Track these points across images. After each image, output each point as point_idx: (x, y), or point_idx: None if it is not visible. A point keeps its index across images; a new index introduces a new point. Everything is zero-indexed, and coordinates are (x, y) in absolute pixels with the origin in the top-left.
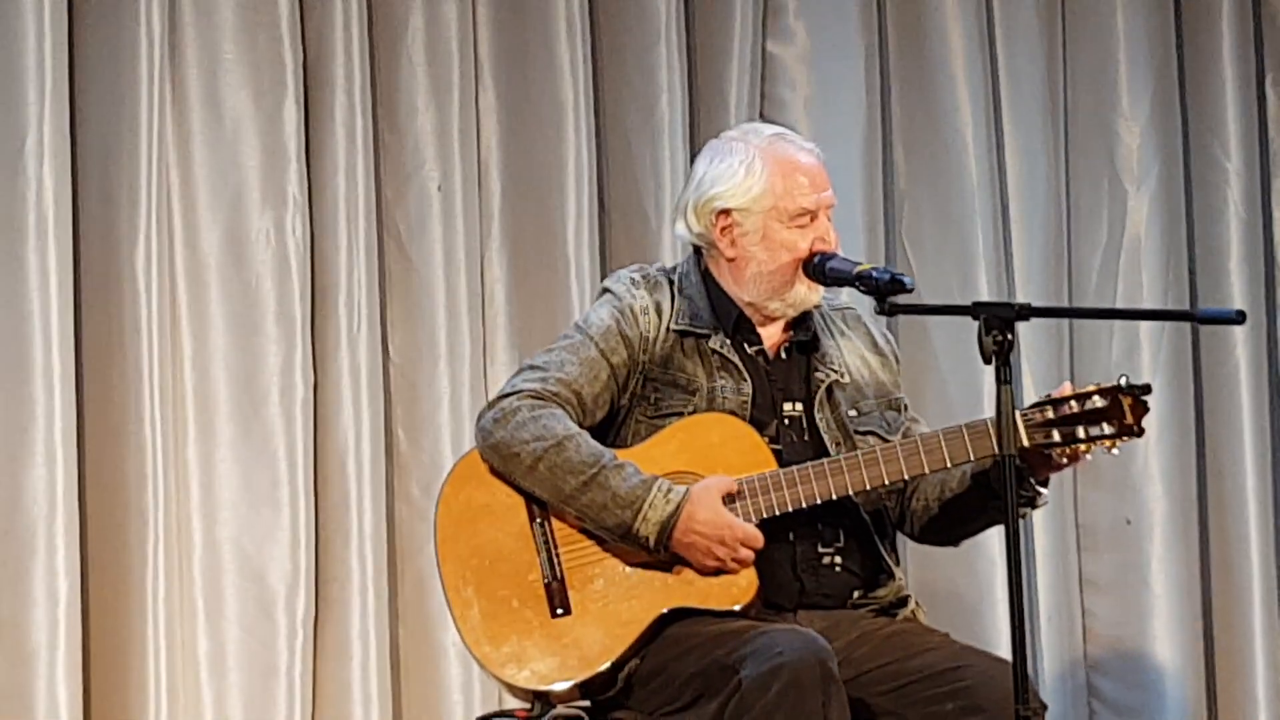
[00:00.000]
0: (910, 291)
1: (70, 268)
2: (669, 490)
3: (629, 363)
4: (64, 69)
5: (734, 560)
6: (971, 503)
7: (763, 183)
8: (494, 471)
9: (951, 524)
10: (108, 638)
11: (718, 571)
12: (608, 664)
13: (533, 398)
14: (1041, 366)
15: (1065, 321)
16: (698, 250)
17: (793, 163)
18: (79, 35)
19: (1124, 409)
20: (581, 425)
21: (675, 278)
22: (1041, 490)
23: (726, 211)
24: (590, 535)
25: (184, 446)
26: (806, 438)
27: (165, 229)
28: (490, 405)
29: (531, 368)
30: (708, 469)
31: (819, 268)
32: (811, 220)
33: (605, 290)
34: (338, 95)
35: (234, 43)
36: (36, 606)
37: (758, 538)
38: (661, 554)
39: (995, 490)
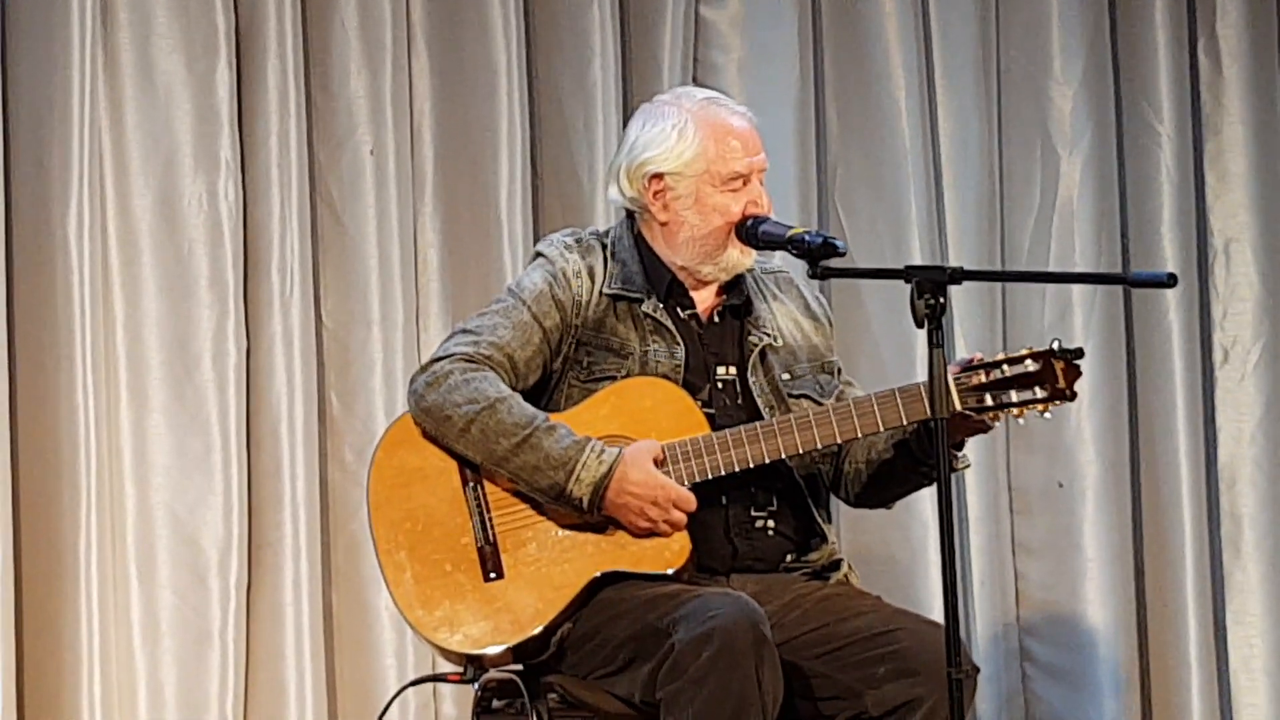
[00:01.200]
0: (842, 255)
1: (2, 232)
2: (601, 451)
3: (561, 326)
4: None
5: (666, 522)
6: (896, 467)
7: (695, 146)
8: (427, 435)
9: (880, 487)
10: (41, 603)
11: (650, 534)
12: (540, 628)
13: (465, 361)
14: (974, 330)
15: (998, 285)
16: (630, 214)
17: (725, 126)
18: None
19: (1056, 373)
20: (514, 389)
21: (608, 241)
22: (957, 454)
23: (659, 175)
24: (523, 499)
25: (116, 412)
26: (740, 401)
27: (98, 194)
28: (423, 369)
29: (464, 331)
30: (640, 433)
31: (751, 231)
32: (744, 184)
33: (538, 254)
34: (270, 60)
35: (166, 7)
36: None
37: (690, 499)
38: (594, 515)
39: (916, 455)
